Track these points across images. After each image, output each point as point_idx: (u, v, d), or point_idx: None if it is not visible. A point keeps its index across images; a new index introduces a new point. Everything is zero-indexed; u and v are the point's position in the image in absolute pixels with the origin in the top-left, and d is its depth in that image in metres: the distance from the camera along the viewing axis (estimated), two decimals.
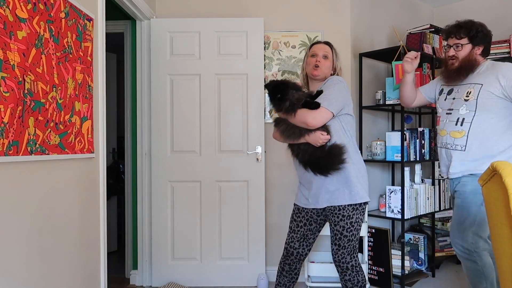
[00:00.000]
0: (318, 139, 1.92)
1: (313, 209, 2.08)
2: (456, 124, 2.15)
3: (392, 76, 2.93)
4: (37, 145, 1.64)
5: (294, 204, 2.18)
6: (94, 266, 2.14)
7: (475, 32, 2.11)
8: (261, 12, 3.10)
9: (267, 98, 2.08)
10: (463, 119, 2.13)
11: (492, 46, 3.32)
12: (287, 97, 1.92)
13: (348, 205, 1.97)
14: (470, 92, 2.12)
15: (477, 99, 2.08)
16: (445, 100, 2.26)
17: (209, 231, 3.00)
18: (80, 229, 2.00)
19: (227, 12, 3.10)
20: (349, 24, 3.14)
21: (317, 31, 3.11)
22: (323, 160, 1.94)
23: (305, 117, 1.90)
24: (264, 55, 3.05)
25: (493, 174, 1.24)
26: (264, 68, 3.05)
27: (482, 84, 2.09)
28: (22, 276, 1.57)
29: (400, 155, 2.91)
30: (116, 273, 3.27)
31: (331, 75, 2.12)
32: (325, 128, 1.94)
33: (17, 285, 1.54)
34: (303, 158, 1.99)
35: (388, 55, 3.11)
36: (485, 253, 2.08)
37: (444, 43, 2.25)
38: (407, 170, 3.01)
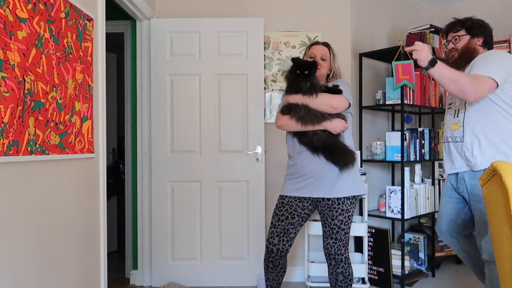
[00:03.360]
0: (339, 125, 1.98)
1: (300, 201, 2.08)
2: (454, 117, 2.16)
3: (392, 76, 2.93)
4: (37, 145, 1.64)
5: (280, 197, 2.15)
6: (94, 266, 2.14)
7: (471, 23, 2.12)
8: (261, 12, 3.10)
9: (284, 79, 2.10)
10: (458, 110, 2.14)
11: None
12: (310, 80, 1.97)
13: (346, 198, 2.02)
14: None
15: None
16: (449, 94, 2.28)
17: (209, 231, 3.00)
18: (80, 229, 2.00)
19: (227, 12, 3.10)
20: (349, 24, 3.14)
21: (317, 31, 3.11)
22: (338, 151, 1.97)
23: (331, 99, 1.98)
24: (264, 55, 3.05)
25: (493, 174, 1.24)
26: (264, 68, 3.05)
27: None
28: (22, 276, 1.57)
29: (400, 155, 2.91)
30: (116, 273, 3.27)
31: (327, 75, 2.18)
32: (343, 116, 2.01)
33: (17, 285, 1.54)
34: (317, 143, 1.99)
35: (388, 55, 3.11)
36: None
37: (444, 41, 2.27)
38: (407, 170, 3.01)
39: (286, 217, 2.09)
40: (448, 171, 2.23)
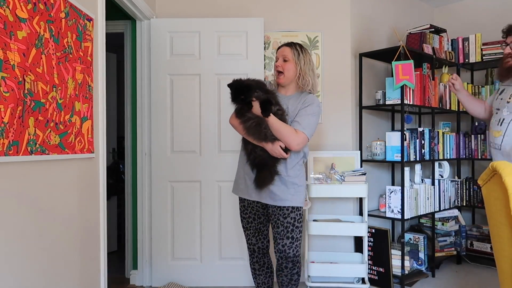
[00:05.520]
0: (276, 152, 1.94)
1: (258, 202, 2.11)
2: (497, 124, 2.16)
3: (392, 76, 2.93)
4: (37, 145, 1.64)
5: (240, 200, 2.17)
6: (94, 266, 2.14)
7: None
8: (261, 12, 3.10)
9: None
10: (503, 119, 2.12)
11: (491, 46, 3.35)
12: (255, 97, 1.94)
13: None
14: None
15: None
16: (496, 99, 2.26)
17: (209, 231, 3.00)
18: (80, 229, 2.00)
19: (227, 12, 3.10)
20: (349, 24, 3.14)
21: (317, 31, 3.11)
22: (263, 171, 1.98)
23: (291, 140, 1.92)
24: (264, 55, 3.05)
25: (493, 174, 1.24)
26: (264, 68, 3.05)
27: None
28: (22, 276, 1.57)
29: (400, 155, 2.91)
30: (116, 273, 3.27)
31: (299, 78, 2.09)
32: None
33: (17, 285, 1.54)
34: (253, 161, 2.01)
35: (388, 55, 3.11)
36: None
37: (502, 43, 2.23)
38: (407, 170, 3.01)
39: (253, 218, 2.15)
40: None
